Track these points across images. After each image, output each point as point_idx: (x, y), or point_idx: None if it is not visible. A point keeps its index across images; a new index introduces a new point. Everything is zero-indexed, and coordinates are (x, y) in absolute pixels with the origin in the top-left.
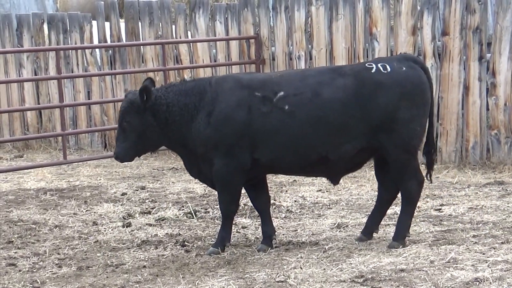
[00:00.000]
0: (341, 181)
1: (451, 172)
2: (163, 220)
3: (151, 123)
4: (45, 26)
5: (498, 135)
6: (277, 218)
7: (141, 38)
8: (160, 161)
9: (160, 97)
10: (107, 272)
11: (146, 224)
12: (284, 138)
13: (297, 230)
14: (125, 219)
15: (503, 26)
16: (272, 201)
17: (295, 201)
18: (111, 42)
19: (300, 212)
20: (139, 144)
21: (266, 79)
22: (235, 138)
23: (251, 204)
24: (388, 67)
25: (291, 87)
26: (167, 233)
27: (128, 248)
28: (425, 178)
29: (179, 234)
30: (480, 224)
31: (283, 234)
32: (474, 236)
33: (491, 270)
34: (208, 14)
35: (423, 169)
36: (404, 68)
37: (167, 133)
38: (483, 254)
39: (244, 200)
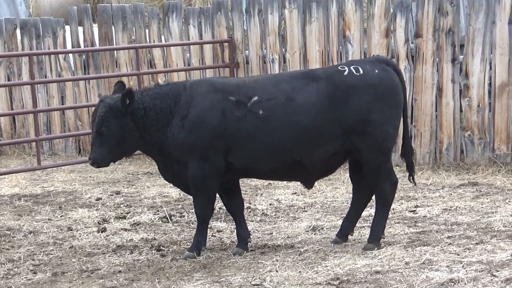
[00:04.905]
0: (316, 184)
1: (425, 173)
2: (138, 224)
3: (131, 127)
4: (18, 32)
5: (472, 137)
6: (253, 221)
7: (114, 43)
8: (135, 165)
9: (137, 101)
10: (82, 277)
11: (121, 229)
12: (258, 142)
13: (272, 233)
14: (100, 224)
15: (475, 28)
16: (247, 205)
17: (270, 204)
18: (84, 47)
19: (275, 215)
20: (117, 149)
21: (240, 84)
22: (209, 141)
23: None
24: (360, 69)
25: (265, 92)
26: (142, 238)
27: (103, 253)
28: (401, 180)
29: (155, 239)
30: (455, 225)
31: (259, 238)
32: (448, 237)
33: (466, 271)
34: (182, 18)
35: (402, 171)
36: (376, 71)
37: (144, 137)
38: (458, 255)
39: (219, 204)
